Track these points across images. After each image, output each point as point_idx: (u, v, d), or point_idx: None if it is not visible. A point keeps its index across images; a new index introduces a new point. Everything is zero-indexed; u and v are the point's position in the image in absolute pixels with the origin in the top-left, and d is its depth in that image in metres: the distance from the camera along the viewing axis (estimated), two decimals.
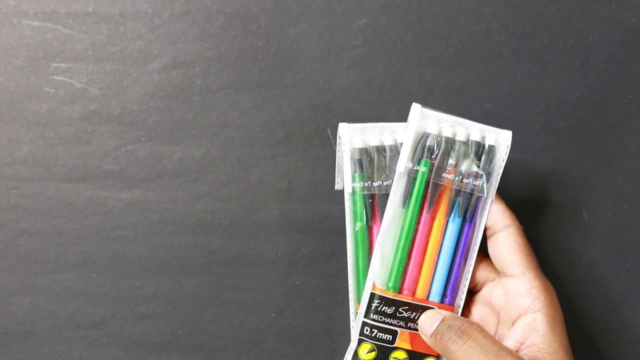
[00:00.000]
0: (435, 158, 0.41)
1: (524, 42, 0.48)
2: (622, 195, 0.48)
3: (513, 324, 0.40)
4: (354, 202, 0.43)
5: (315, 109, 0.48)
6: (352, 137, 0.42)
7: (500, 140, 0.41)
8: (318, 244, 0.48)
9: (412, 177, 0.41)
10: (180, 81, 0.48)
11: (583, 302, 0.48)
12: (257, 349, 0.48)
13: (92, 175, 0.49)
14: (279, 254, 0.48)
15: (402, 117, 0.48)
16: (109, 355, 0.49)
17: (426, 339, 0.40)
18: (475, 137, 0.41)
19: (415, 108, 0.41)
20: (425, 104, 0.48)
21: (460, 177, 0.41)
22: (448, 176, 0.41)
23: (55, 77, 0.48)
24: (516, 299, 0.40)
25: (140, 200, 0.49)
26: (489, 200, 0.41)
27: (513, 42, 0.48)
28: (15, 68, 0.48)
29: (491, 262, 0.42)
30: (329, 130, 0.48)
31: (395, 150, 0.42)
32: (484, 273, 0.43)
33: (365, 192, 0.42)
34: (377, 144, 0.43)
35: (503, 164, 0.41)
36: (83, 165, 0.49)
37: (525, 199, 0.48)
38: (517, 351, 0.39)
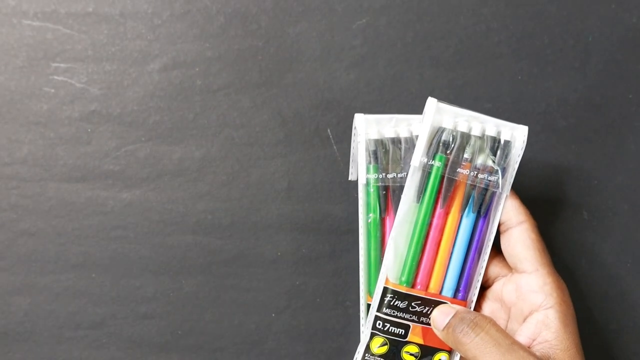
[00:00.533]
0: (451, 153, 0.41)
1: (524, 42, 0.48)
2: (622, 195, 0.48)
3: (524, 320, 0.40)
4: (368, 194, 0.42)
5: (315, 109, 0.48)
6: (368, 128, 0.42)
7: (516, 135, 0.41)
8: (318, 244, 0.48)
9: (426, 171, 0.41)
10: (180, 81, 0.48)
11: (583, 302, 0.48)
12: (257, 349, 0.48)
13: (92, 175, 0.49)
14: (279, 254, 0.48)
15: None
16: (109, 355, 0.49)
17: (438, 332, 0.40)
18: (491, 132, 0.41)
19: (431, 102, 0.41)
20: (425, 104, 0.48)
21: (475, 172, 0.41)
22: (463, 171, 0.41)
23: (55, 77, 0.48)
24: (528, 295, 0.40)
25: (140, 200, 0.49)
26: (504, 196, 0.41)
27: (513, 42, 0.48)
28: (15, 68, 0.48)
29: (503, 258, 0.42)
30: (329, 130, 0.48)
31: (411, 142, 0.42)
32: (495, 269, 0.43)
33: (380, 184, 0.42)
34: (393, 135, 0.42)
35: (519, 160, 0.41)
36: (83, 165, 0.49)
37: (525, 199, 0.48)
38: (528, 347, 0.39)
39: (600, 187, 0.48)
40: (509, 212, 0.41)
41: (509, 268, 0.42)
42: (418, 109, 0.48)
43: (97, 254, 0.49)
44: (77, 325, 0.49)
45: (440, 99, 0.48)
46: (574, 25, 0.48)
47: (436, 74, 0.48)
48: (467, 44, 0.48)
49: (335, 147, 0.48)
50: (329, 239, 0.48)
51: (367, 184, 0.42)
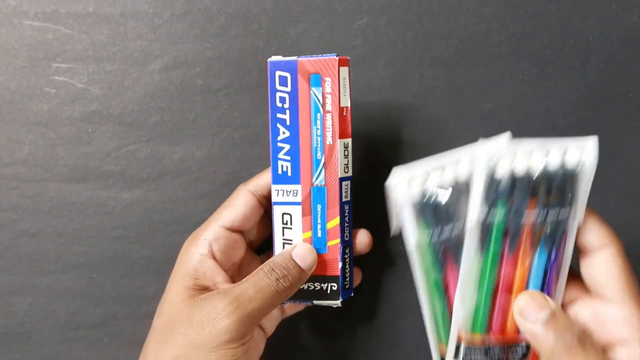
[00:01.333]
0: (512, 198, 0.35)
1: (524, 42, 0.48)
2: (622, 195, 0.48)
3: (603, 351, 0.36)
4: (423, 257, 0.37)
5: None
6: (409, 184, 0.37)
7: (584, 158, 0.35)
8: None
9: (487, 224, 0.36)
10: (180, 81, 0.49)
11: None
12: None
13: (93, 176, 0.49)
14: None
15: (403, 117, 0.48)
16: (109, 355, 0.49)
17: (524, 322, 0.36)
18: (555, 159, 0.35)
19: (482, 149, 0.35)
20: (425, 104, 0.48)
21: (544, 211, 0.35)
22: (529, 212, 0.35)
23: (56, 78, 0.49)
24: (611, 326, 0.36)
25: (140, 200, 0.49)
26: (576, 224, 0.36)
27: (513, 42, 0.48)
28: (16, 68, 0.48)
29: (578, 282, 0.38)
30: None
31: (461, 187, 0.36)
32: (571, 293, 0.38)
33: (434, 240, 0.37)
34: (438, 184, 0.36)
35: (590, 181, 0.36)
36: (84, 165, 0.49)
37: None
38: None
39: (600, 187, 0.48)
40: (588, 235, 0.36)
41: (585, 291, 0.38)
42: (418, 109, 0.48)
43: (98, 254, 0.49)
44: (78, 325, 0.49)
45: (441, 99, 0.48)
46: (574, 25, 0.48)
47: (436, 74, 0.48)
48: (467, 44, 0.48)
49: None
50: None
51: (419, 246, 0.37)
